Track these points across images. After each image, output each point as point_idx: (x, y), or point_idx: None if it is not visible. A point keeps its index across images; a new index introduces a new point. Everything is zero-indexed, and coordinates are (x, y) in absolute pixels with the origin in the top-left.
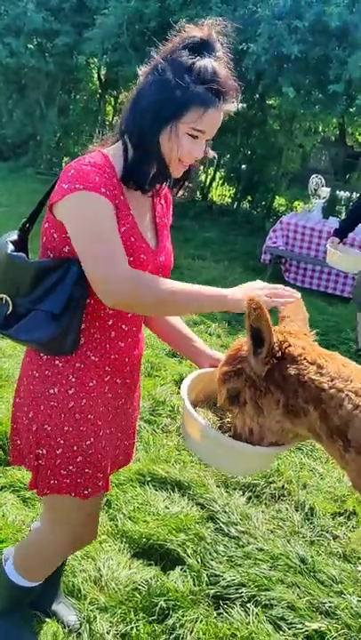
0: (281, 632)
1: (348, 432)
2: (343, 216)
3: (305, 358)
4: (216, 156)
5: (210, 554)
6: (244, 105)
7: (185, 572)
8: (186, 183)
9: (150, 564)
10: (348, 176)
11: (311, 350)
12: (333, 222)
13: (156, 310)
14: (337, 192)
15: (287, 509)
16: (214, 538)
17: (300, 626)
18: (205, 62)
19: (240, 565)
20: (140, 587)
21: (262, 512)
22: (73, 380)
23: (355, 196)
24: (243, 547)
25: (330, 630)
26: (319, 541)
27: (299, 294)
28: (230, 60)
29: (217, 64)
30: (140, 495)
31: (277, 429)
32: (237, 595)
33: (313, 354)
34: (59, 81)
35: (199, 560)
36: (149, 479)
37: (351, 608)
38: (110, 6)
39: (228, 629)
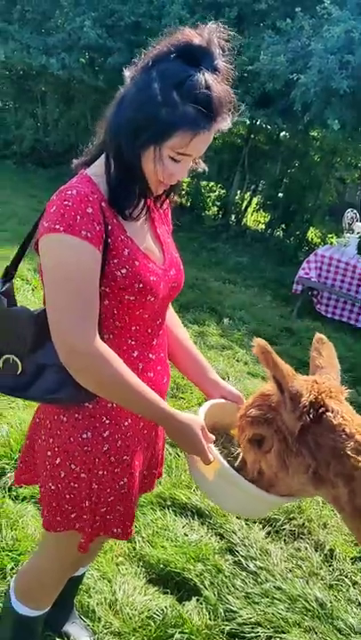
0: None
1: None
2: None
3: (343, 430)
4: (207, 168)
5: (227, 587)
6: (287, 134)
7: (201, 604)
8: (171, 196)
9: (166, 592)
10: None
11: (351, 419)
12: None
13: (104, 395)
14: None
15: (306, 549)
16: (232, 571)
17: None
18: (199, 77)
19: (257, 603)
20: (155, 615)
21: (281, 549)
22: (107, 422)
23: None
24: (261, 584)
25: None
26: (338, 586)
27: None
28: (231, 69)
29: (213, 78)
30: (160, 519)
31: (296, 489)
32: (253, 634)
33: (353, 425)
34: (106, 96)
35: (216, 593)
36: (170, 504)
37: None
38: (166, 32)
39: None
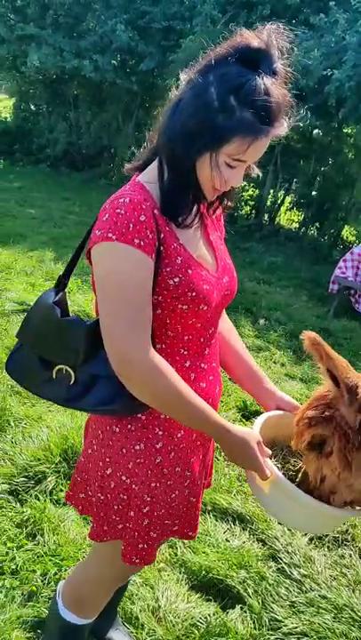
0: None
1: None
2: None
3: None
4: (260, 173)
5: (271, 596)
6: (320, 132)
7: (245, 612)
8: (225, 202)
9: (209, 599)
10: None
11: None
12: None
13: (158, 407)
14: None
15: (351, 556)
16: (276, 579)
17: None
18: (257, 82)
19: (302, 612)
20: (198, 623)
21: (325, 556)
22: (160, 433)
23: None
24: (305, 592)
25: None
26: None
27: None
28: (289, 72)
29: (271, 82)
30: (201, 524)
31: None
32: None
33: None
34: (138, 97)
35: (260, 601)
36: (210, 508)
37: None
38: (197, 31)
39: None
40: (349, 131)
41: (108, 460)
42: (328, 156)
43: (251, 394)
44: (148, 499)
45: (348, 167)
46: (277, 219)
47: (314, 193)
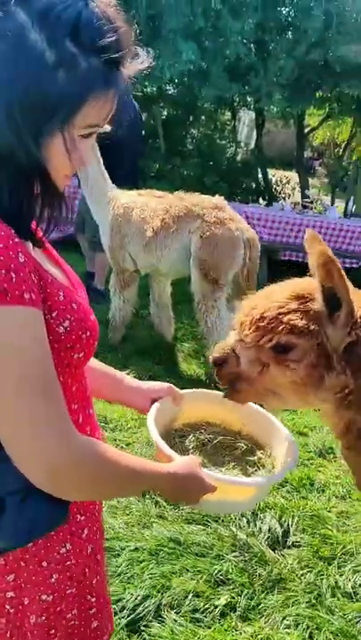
0: (198, 623)
1: None
2: None
3: None
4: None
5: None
6: None
7: None
8: None
9: None
10: None
11: None
12: None
13: (102, 496)
14: None
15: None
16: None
17: (210, 608)
18: (93, 9)
19: (126, 573)
20: None
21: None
22: (82, 518)
23: None
24: (113, 556)
25: (233, 598)
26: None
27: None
28: None
29: (106, 3)
30: None
31: (306, 402)
32: (148, 608)
33: None
34: None
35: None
36: None
37: (236, 566)
38: None
39: None
40: None
41: (22, 585)
42: None
43: (118, 401)
44: (93, 599)
45: None
46: None
47: None
